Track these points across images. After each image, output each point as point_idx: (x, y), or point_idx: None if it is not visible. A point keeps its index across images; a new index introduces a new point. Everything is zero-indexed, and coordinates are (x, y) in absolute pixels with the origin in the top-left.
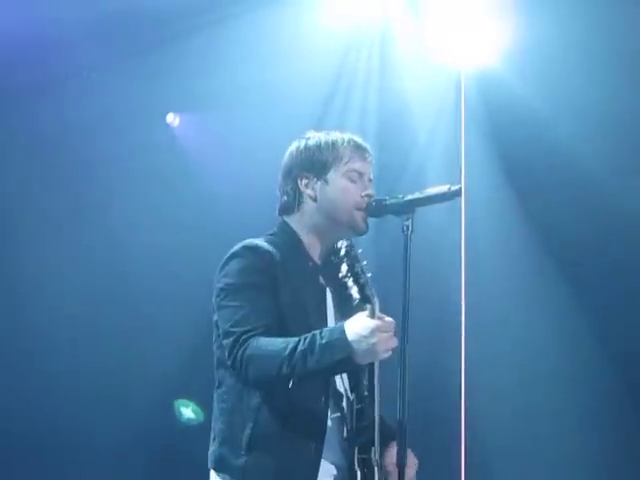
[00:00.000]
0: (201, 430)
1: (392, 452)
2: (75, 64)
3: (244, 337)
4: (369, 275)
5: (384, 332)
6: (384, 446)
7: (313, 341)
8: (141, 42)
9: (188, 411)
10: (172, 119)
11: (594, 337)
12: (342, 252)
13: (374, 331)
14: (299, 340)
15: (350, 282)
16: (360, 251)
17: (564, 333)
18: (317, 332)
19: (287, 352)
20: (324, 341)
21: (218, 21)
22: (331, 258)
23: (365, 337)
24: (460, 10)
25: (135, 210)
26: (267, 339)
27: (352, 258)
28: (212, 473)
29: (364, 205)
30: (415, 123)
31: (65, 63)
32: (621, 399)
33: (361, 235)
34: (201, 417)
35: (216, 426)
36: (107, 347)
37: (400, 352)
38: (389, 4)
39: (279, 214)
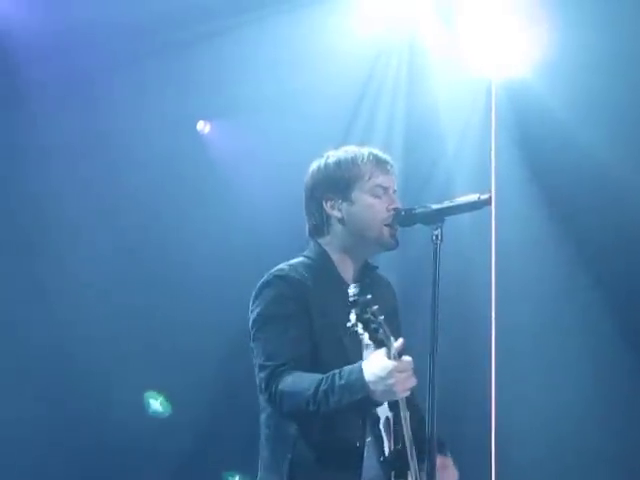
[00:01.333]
0: None
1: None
2: (103, 67)
3: (277, 371)
4: (382, 318)
5: (401, 372)
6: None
7: (333, 381)
8: (168, 46)
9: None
10: (202, 126)
11: (626, 343)
12: (350, 300)
13: (392, 372)
14: (322, 379)
15: (360, 329)
16: (369, 297)
17: (596, 341)
18: (337, 372)
19: (311, 391)
20: (343, 382)
21: (246, 24)
22: (365, 279)
23: (382, 378)
24: (492, 20)
25: (165, 219)
26: (296, 375)
27: (360, 305)
28: None
29: (391, 219)
30: (443, 132)
31: (93, 65)
32: None
33: (391, 250)
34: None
35: (262, 452)
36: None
37: (429, 364)
38: (420, 10)
39: (309, 235)
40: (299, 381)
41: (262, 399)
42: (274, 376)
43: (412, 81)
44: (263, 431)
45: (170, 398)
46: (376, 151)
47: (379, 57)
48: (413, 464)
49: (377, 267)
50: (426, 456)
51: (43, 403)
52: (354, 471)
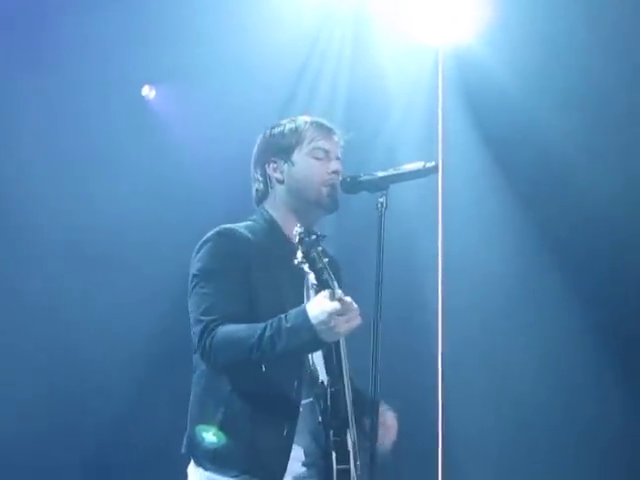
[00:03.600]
0: None
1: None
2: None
3: (212, 325)
4: (326, 260)
5: (342, 314)
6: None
7: (279, 326)
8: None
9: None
10: (148, 92)
11: (579, 322)
12: (296, 239)
13: (331, 314)
14: (266, 326)
15: (306, 268)
16: (315, 237)
17: (546, 318)
18: (282, 316)
19: (255, 338)
20: (289, 325)
21: None
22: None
23: (324, 321)
24: None
25: (110, 180)
26: (234, 326)
27: (306, 244)
28: (191, 461)
29: (331, 182)
30: (388, 101)
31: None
32: (609, 395)
33: (331, 212)
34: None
35: (191, 410)
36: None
37: (373, 329)
38: None
39: (255, 204)
40: (237, 330)
41: (195, 358)
42: (208, 329)
43: (356, 50)
44: (194, 389)
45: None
46: (321, 119)
47: (323, 25)
48: (352, 424)
49: (325, 236)
50: (367, 416)
51: None
52: (288, 429)
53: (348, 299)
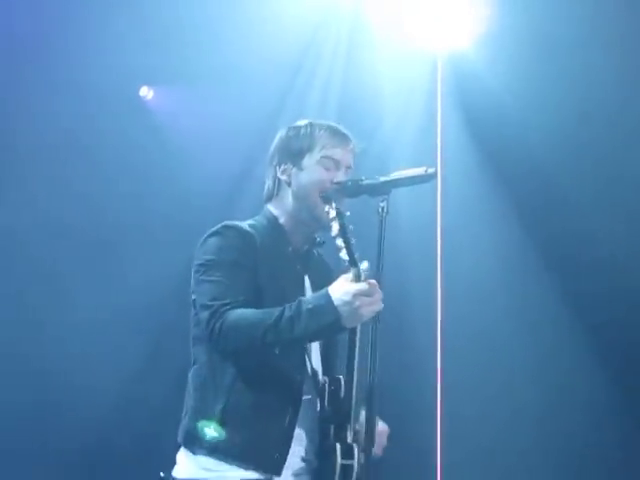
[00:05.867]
0: None
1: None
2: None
3: (222, 309)
4: (354, 241)
5: (367, 296)
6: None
7: (299, 308)
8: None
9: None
10: (146, 92)
11: (575, 325)
12: (332, 213)
13: (356, 295)
14: (284, 308)
15: (340, 242)
16: (348, 214)
17: (544, 321)
18: (302, 299)
19: (273, 319)
20: (310, 306)
21: None
22: (313, 249)
23: (348, 302)
24: None
25: (104, 179)
26: (245, 310)
27: (343, 218)
28: (181, 449)
29: (327, 192)
30: (382, 107)
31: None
32: (604, 398)
33: (323, 227)
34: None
35: (189, 402)
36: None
37: (372, 330)
38: None
39: (264, 201)
40: (252, 313)
41: (194, 351)
42: (218, 313)
43: (351, 54)
44: (193, 382)
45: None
46: (337, 125)
47: (319, 28)
48: (353, 420)
49: (324, 242)
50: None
51: None
52: (290, 419)
53: (373, 281)
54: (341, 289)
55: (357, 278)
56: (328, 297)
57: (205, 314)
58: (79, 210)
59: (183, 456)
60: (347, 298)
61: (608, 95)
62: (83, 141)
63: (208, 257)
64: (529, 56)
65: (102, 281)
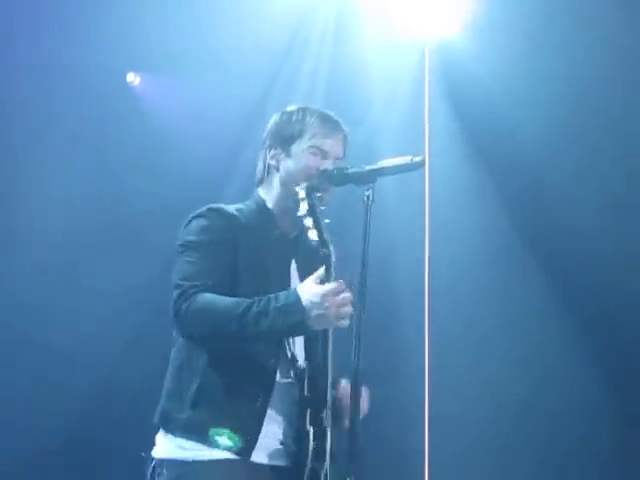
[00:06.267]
0: None
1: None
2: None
3: (192, 291)
4: (326, 221)
5: (336, 297)
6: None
7: (267, 304)
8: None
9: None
10: (132, 78)
11: (565, 320)
12: (301, 194)
13: (325, 296)
14: (253, 301)
15: (309, 222)
16: (319, 195)
17: (532, 316)
18: (272, 295)
19: (239, 311)
20: (279, 304)
21: None
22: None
23: (317, 303)
24: None
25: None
26: (216, 296)
27: (312, 199)
28: (160, 430)
29: (309, 180)
30: (370, 92)
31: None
32: (593, 394)
33: (294, 217)
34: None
35: (166, 384)
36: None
37: (356, 320)
38: None
39: (255, 185)
40: (221, 301)
41: (174, 333)
42: (186, 294)
43: (339, 41)
44: (172, 364)
45: None
46: (329, 112)
47: (306, 14)
48: (329, 406)
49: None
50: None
51: None
52: (262, 401)
53: (341, 282)
54: (310, 290)
55: (327, 279)
56: (297, 296)
57: (174, 293)
58: (61, 196)
59: (161, 437)
60: (316, 300)
61: (598, 87)
62: (66, 125)
63: (188, 238)
64: (518, 46)
65: (88, 267)
